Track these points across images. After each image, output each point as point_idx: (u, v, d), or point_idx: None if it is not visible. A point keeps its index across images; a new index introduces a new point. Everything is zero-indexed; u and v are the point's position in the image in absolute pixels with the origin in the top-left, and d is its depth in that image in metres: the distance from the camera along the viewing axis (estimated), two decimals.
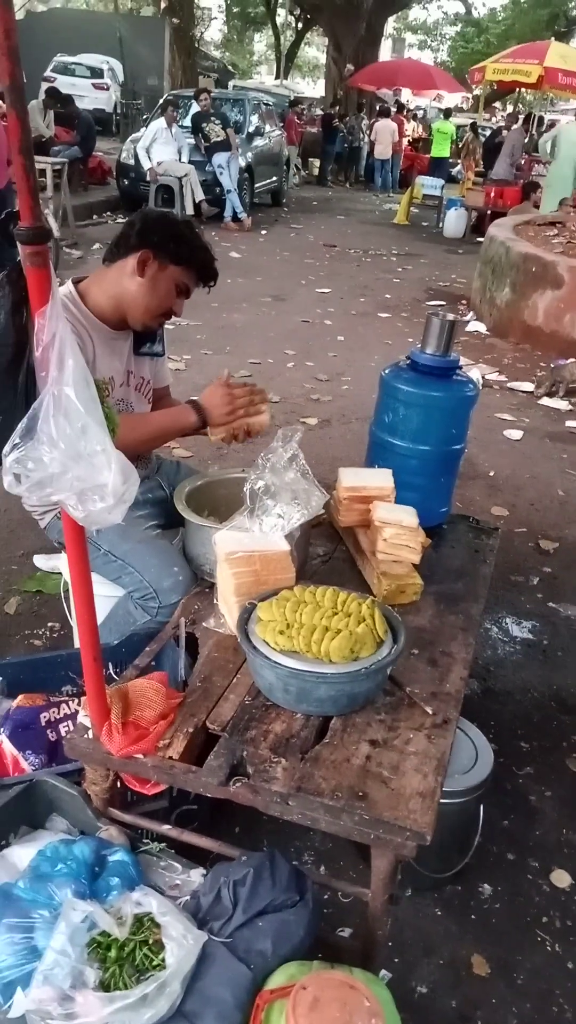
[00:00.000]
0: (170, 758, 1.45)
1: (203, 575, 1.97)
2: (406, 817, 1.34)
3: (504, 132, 14.28)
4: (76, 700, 1.98)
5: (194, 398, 2.01)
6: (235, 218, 10.97)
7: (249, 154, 11.68)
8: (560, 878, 2.05)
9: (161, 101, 12.32)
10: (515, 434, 4.93)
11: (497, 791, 2.22)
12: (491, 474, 4.33)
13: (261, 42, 40.25)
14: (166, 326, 2.21)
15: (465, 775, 1.85)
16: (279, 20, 30.50)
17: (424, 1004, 1.72)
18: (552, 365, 5.82)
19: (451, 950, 1.85)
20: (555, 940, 1.90)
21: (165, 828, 1.60)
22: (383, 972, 1.74)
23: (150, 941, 1.26)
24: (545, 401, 5.55)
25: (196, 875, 1.45)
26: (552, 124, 14.74)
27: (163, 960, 1.22)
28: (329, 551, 2.15)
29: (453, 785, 1.80)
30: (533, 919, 1.95)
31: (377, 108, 18.35)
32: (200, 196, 10.40)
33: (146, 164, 10.26)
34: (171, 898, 1.35)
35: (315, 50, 38.65)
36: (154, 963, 1.23)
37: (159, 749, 1.46)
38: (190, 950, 1.21)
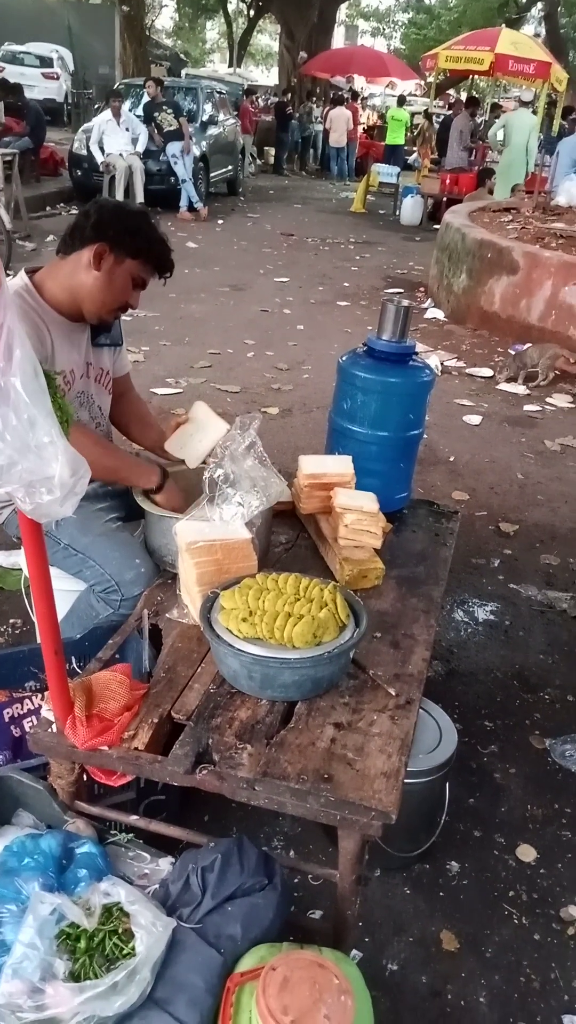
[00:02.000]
0: (136, 749, 1.45)
1: (165, 566, 1.96)
2: (371, 797, 1.35)
3: (453, 118, 14.34)
4: (40, 695, 1.97)
5: (165, 471, 1.98)
6: (191, 208, 10.89)
7: (203, 143, 11.59)
8: (526, 852, 2.09)
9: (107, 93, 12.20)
10: (474, 419, 4.98)
11: (463, 770, 2.25)
12: (451, 459, 4.37)
13: (213, 30, 39.85)
14: (124, 316, 2.19)
15: (430, 755, 1.88)
16: (231, 7, 30.21)
17: (395, 981, 1.75)
18: (512, 351, 5.89)
19: (421, 927, 1.88)
20: (522, 913, 1.94)
21: (133, 819, 1.60)
22: (354, 952, 1.76)
23: (119, 930, 1.26)
24: (504, 386, 5.61)
25: (165, 864, 1.45)
26: (495, 107, 14.82)
27: (133, 948, 1.22)
28: (291, 538, 2.15)
29: (418, 765, 1.82)
30: (500, 894, 1.98)
31: (331, 96, 18.32)
32: (140, 193, 10.31)
33: (99, 158, 10.20)
34: (140, 887, 1.35)
35: (268, 38, 38.39)
36: (124, 952, 1.24)
37: (124, 740, 1.46)
38: (159, 937, 1.21)
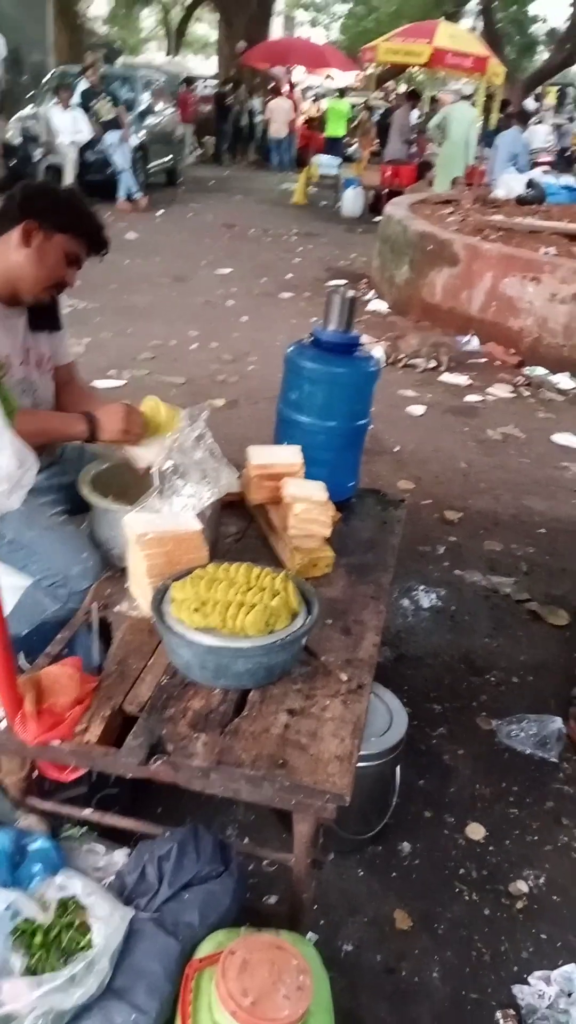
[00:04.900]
0: (88, 742, 1.44)
1: (112, 559, 1.95)
2: (325, 780, 1.37)
3: (394, 111, 14.44)
4: None
5: (89, 411, 1.99)
6: (129, 198, 10.75)
7: (142, 132, 11.45)
8: (475, 831, 2.14)
9: (46, 79, 11.96)
10: (418, 410, 5.05)
11: (413, 752, 2.29)
12: (397, 449, 4.42)
13: (150, 17, 39.26)
14: (63, 308, 2.16)
15: (381, 738, 1.91)
16: None
17: (351, 961, 1.78)
18: (456, 343, 5.99)
19: (375, 908, 1.91)
20: (472, 890, 1.99)
21: (86, 812, 1.60)
22: (310, 934, 1.78)
23: (76, 923, 1.26)
24: (446, 377, 5.69)
25: (120, 855, 1.45)
26: (434, 100, 14.98)
27: (90, 941, 1.22)
28: (241, 529, 2.16)
29: (370, 748, 1.85)
30: (451, 872, 2.03)
31: (270, 87, 18.25)
32: (70, 180, 10.18)
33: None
34: (96, 880, 1.35)
35: (207, 26, 38.00)
36: (80, 944, 1.23)
37: (76, 734, 1.45)
38: (117, 927, 1.21)
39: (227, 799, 2.03)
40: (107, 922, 1.21)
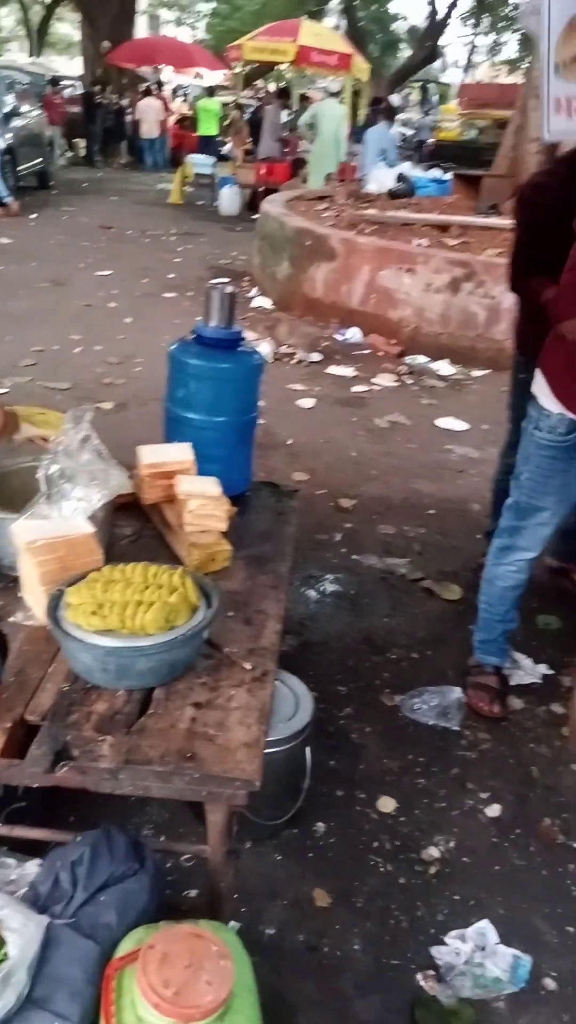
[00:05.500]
0: None
1: (3, 570, 1.90)
2: (235, 768, 1.39)
3: (264, 109, 14.56)
4: None
5: None
6: (0, 203, 10.42)
7: (8, 135, 11.11)
8: (385, 804, 2.21)
9: None
10: (308, 403, 5.12)
11: (321, 734, 2.34)
12: (289, 442, 4.48)
13: (9, 17, 38.03)
14: None
15: (288, 723, 1.94)
16: None
17: (274, 943, 1.81)
18: (338, 335, 6.09)
19: (294, 889, 1.95)
20: (386, 861, 2.05)
21: None
22: (232, 922, 1.80)
23: None
24: (332, 369, 5.79)
25: (31, 866, 1.43)
26: (303, 98, 15.23)
27: (5, 953, 1.20)
28: (137, 530, 2.15)
29: (278, 734, 1.88)
30: (365, 846, 2.09)
31: (139, 87, 18.03)
32: None
33: None
34: (8, 893, 1.32)
35: (69, 26, 37.13)
36: None
37: None
38: (31, 937, 1.20)
39: (141, 800, 2.04)
40: (21, 933, 1.19)
